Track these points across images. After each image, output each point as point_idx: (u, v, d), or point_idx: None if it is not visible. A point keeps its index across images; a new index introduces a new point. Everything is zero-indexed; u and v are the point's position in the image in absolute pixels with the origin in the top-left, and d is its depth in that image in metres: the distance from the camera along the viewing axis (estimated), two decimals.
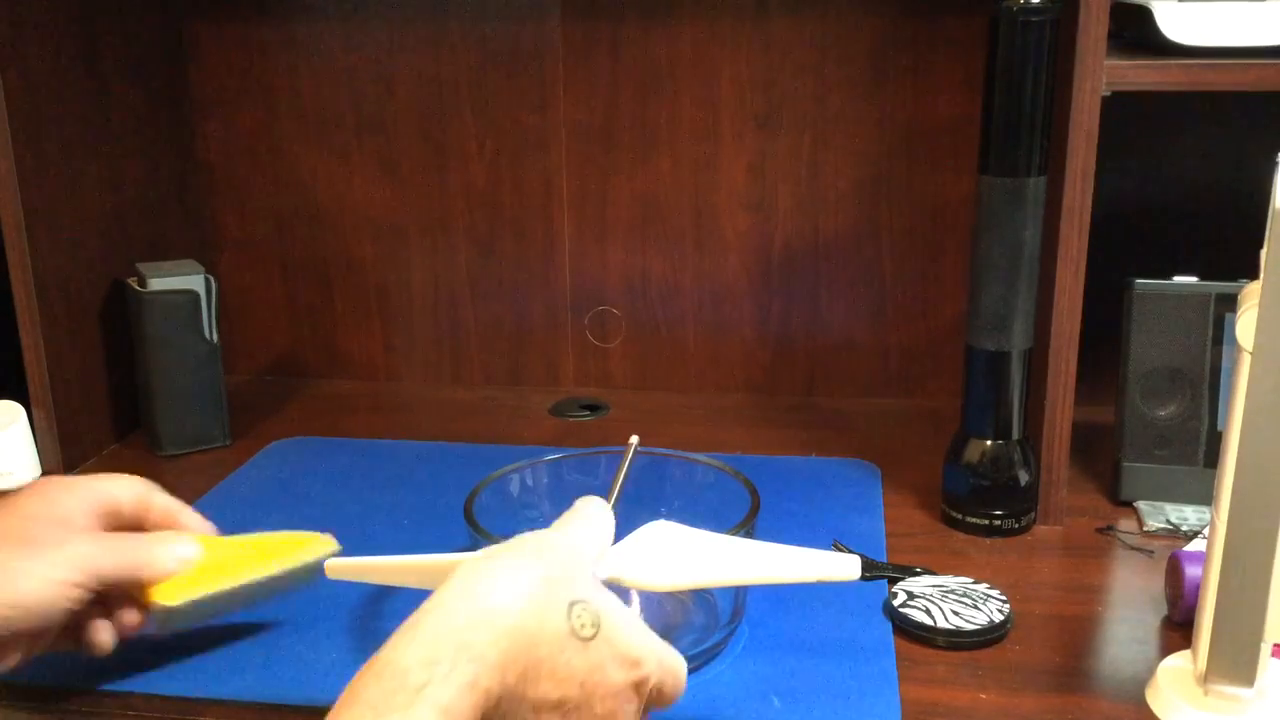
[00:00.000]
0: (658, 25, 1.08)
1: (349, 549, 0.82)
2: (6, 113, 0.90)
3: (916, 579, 0.76)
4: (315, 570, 0.71)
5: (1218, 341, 0.86)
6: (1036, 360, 0.84)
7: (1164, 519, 0.86)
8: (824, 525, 0.85)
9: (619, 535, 0.57)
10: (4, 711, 0.67)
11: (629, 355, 1.17)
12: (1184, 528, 0.84)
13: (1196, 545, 0.79)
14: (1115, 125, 0.79)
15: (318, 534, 0.72)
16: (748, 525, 0.68)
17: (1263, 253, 0.56)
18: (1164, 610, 0.75)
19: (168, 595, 0.68)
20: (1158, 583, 0.77)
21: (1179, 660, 0.66)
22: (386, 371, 1.22)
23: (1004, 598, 0.73)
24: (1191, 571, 0.71)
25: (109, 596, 0.63)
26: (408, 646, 0.43)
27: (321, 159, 1.16)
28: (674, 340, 1.16)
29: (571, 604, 0.47)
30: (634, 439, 0.66)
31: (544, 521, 0.77)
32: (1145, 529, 0.85)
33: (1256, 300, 0.56)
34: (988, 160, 0.80)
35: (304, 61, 1.14)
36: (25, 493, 0.63)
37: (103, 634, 0.64)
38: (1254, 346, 0.57)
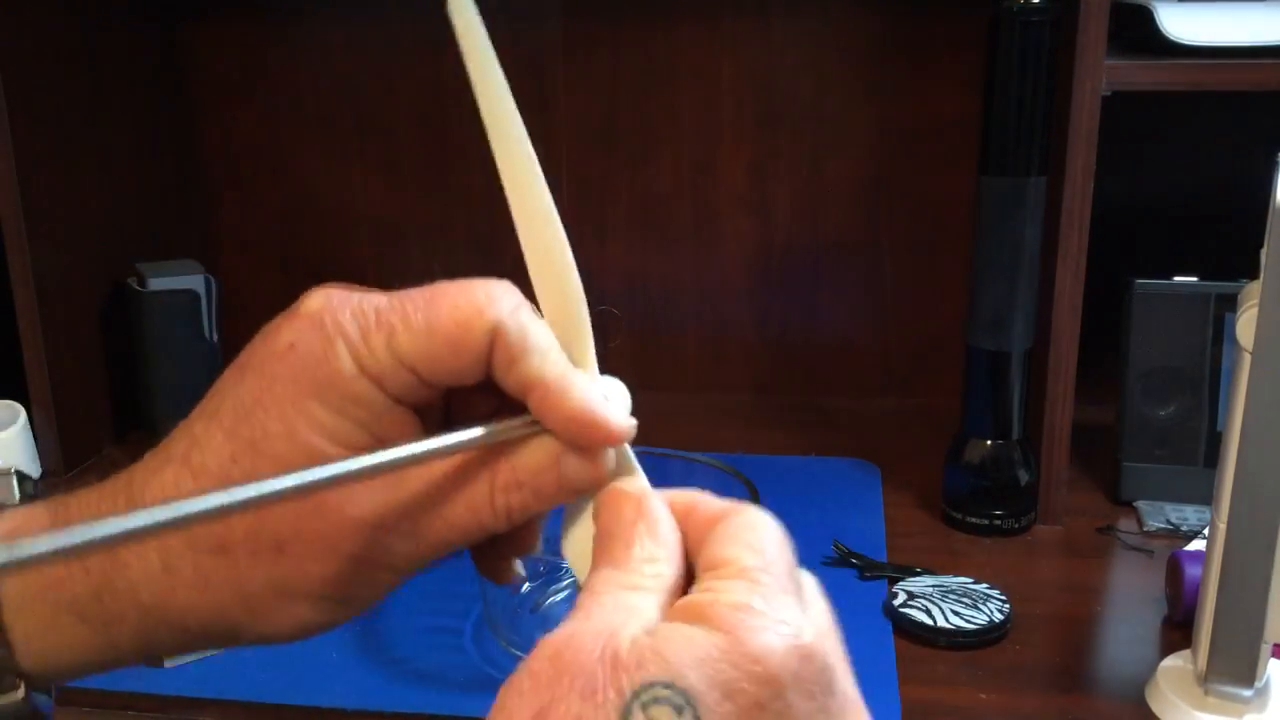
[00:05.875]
0: (658, 25, 1.08)
1: None
2: (7, 113, 0.90)
3: (916, 579, 0.76)
4: None
5: (1218, 341, 0.86)
6: (1036, 360, 0.84)
7: (1164, 519, 0.86)
8: (824, 525, 0.85)
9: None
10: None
11: (629, 355, 1.16)
12: (1184, 528, 0.84)
13: (1196, 545, 0.79)
14: (1115, 125, 0.79)
15: None
16: None
17: (1263, 253, 0.56)
18: (1164, 610, 0.75)
19: None
20: (1158, 583, 0.77)
21: (1179, 660, 0.66)
22: None
23: (1004, 598, 0.73)
24: (1191, 571, 0.71)
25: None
26: None
27: (321, 159, 1.16)
28: (674, 340, 1.16)
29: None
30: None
31: (543, 521, 0.77)
32: (1145, 529, 0.85)
33: (1256, 300, 0.56)
34: (988, 160, 0.80)
35: (304, 61, 1.14)
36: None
37: (509, 562, 0.41)
38: (1254, 346, 0.57)
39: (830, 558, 0.81)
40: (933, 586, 0.75)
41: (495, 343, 0.34)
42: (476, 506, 0.35)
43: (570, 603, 0.76)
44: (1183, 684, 0.64)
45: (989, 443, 0.85)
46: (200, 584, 0.34)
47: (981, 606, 0.72)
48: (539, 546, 0.40)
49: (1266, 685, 0.62)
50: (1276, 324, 0.56)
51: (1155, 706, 0.64)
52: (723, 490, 0.78)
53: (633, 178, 1.12)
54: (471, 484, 0.35)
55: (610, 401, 0.36)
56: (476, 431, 0.35)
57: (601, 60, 1.09)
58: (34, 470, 0.97)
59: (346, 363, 0.34)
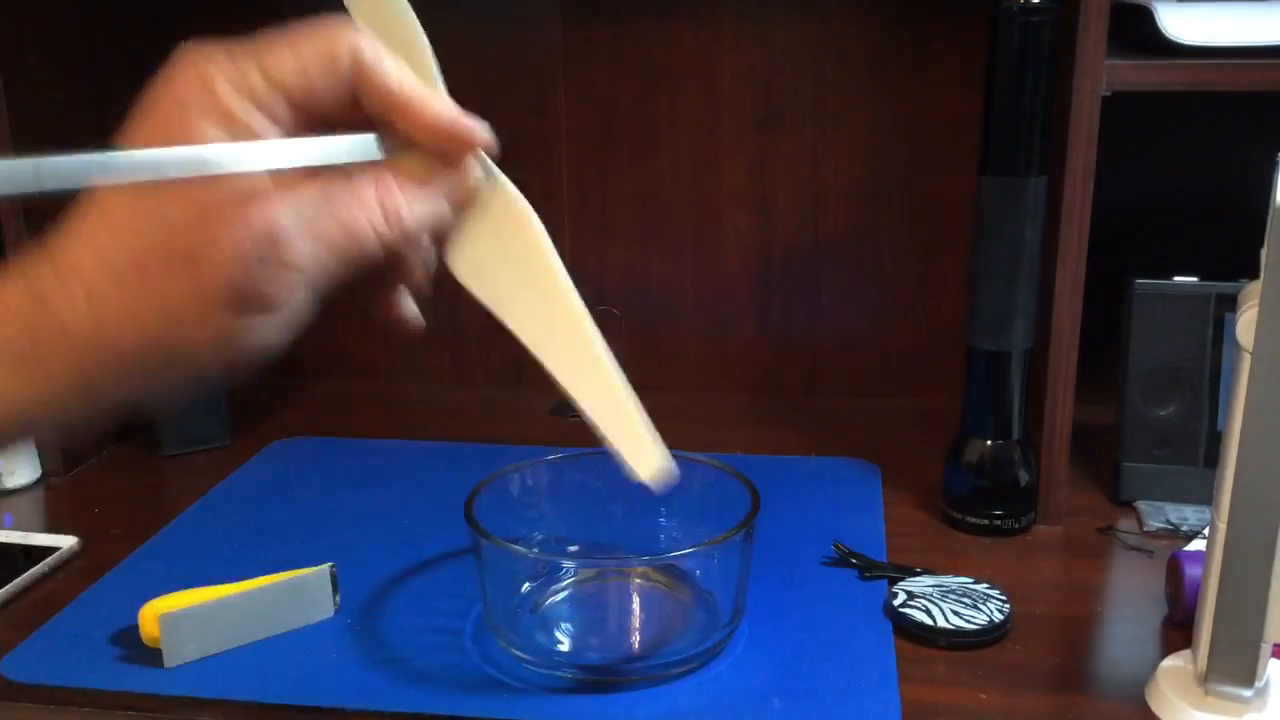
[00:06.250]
0: (658, 25, 1.08)
1: (349, 549, 0.83)
2: (7, 113, 0.90)
3: (916, 579, 0.76)
4: (314, 587, 0.74)
5: (1218, 341, 0.86)
6: (1036, 360, 0.84)
7: (1164, 519, 0.86)
8: (824, 525, 0.85)
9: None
10: (4, 711, 0.67)
11: (629, 355, 1.16)
12: (1184, 528, 0.84)
13: (1196, 545, 0.79)
14: (1115, 125, 0.79)
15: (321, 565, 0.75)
16: (748, 525, 0.68)
17: (1263, 253, 0.56)
18: (1164, 610, 0.75)
19: (169, 604, 0.69)
20: (1158, 583, 0.77)
21: (1179, 660, 0.66)
22: (386, 372, 1.22)
23: (1004, 598, 0.73)
24: (1191, 571, 0.71)
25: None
26: None
27: None
28: (674, 340, 1.16)
29: None
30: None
31: (544, 522, 0.77)
32: (1145, 529, 0.85)
33: (1256, 300, 0.56)
34: (988, 160, 0.80)
35: None
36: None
37: (407, 304, 0.46)
38: (1254, 346, 0.57)
39: (830, 558, 0.81)
40: (933, 586, 0.75)
41: (356, 65, 0.39)
42: (365, 208, 0.40)
43: (570, 603, 0.77)
44: (1183, 684, 0.64)
45: (989, 443, 0.85)
46: (123, 305, 0.36)
47: (981, 606, 0.72)
48: (427, 286, 0.45)
49: (1266, 685, 0.62)
50: (1276, 324, 0.56)
51: (1155, 706, 0.64)
52: (723, 490, 0.79)
53: (633, 178, 1.12)
54: (358, 187, 0.40)
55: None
56: (365, 137, 0.40)
57: (601, 60, 1.10)
58: (34, 471, 0.97)
59: (224, 86, 0.38)
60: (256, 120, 0.38)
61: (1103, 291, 0.87)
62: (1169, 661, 0.67)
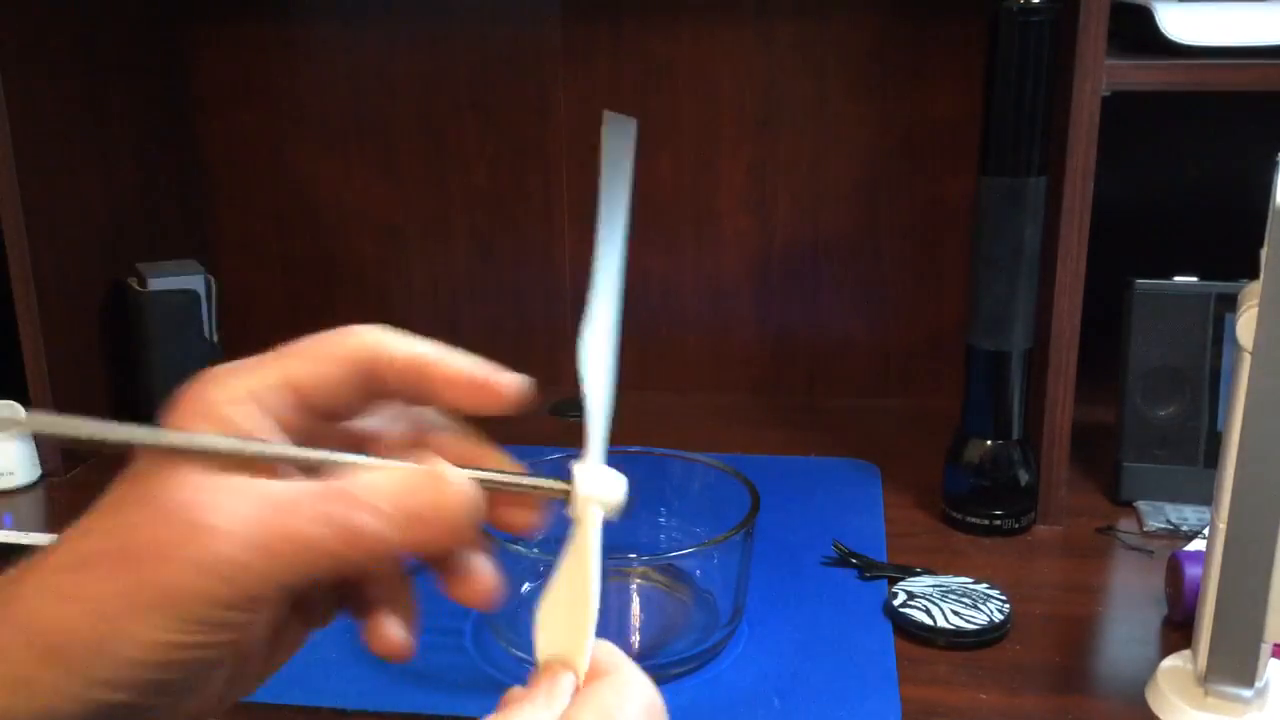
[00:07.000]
0: (658, 25, 1.08)
1: None
2: (7, 113, 0.90)
3: (916, 579, 0.76)
4: None
5: (1218, 341, 0.86)
6: (1036, 360, 0.84)
7: (1164, 519, 0.86)
8: (824, 525, 0.85)
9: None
10: None
11: (629, 355, 1.16)
12: (1184, 528, 0.84)
13: (1196, 545, 0.79)
14: (1115, 125, 0.79)
15: None
16: (748, 525, 0.68)
17: (1263, 253, 0.56)
18: (1164, 610, 0.75)
19: None
20: (1158, 583, 0.77)
21: (1179, 660, 0.66)
22: None
23: (1004, 598, 0.73)
24: (1191, 571, 0.71)
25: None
26: None
27: (321, 159, 1.16)
28: (674, 340, 1.16)
29: None
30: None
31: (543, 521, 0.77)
32: (1145, 529, 0.85)
33: (1256, 300, 0.56)
34: (988, 160, 0.80)
35: (304, 62, 1.13)
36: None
37: (391, 631, 0.41)
38: (1254, 346, 0.57)
39: (830, 558, 0.81)
40: (933, 586, 0.75)
41: (370, 350, 0.36)
42: (326, 522, 0.35)
43: None
44: (1183, 684, 0.64)
45: (989, 443, 0.85)
46: (59, 602, 0.35)
47: (981, 606, 0.72)
48: (414, 616, 0.41)
49: (1266, 685, 0.62)
50: (1276, 324, 0.56)
51: (1155, 706, 0.64)
52: (723, 490, 0.79)
53: (633, 178, 1.12)
54: (327, 499, 0.35)
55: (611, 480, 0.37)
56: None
57: (601, 61, 1.09)
58: (34, 471, 0.97)
59: (214, 393, 0.38)
60: (251, 418, 0.37)
61: (1103, 291, 0.87)
62: (1169, 661, 0.67)
